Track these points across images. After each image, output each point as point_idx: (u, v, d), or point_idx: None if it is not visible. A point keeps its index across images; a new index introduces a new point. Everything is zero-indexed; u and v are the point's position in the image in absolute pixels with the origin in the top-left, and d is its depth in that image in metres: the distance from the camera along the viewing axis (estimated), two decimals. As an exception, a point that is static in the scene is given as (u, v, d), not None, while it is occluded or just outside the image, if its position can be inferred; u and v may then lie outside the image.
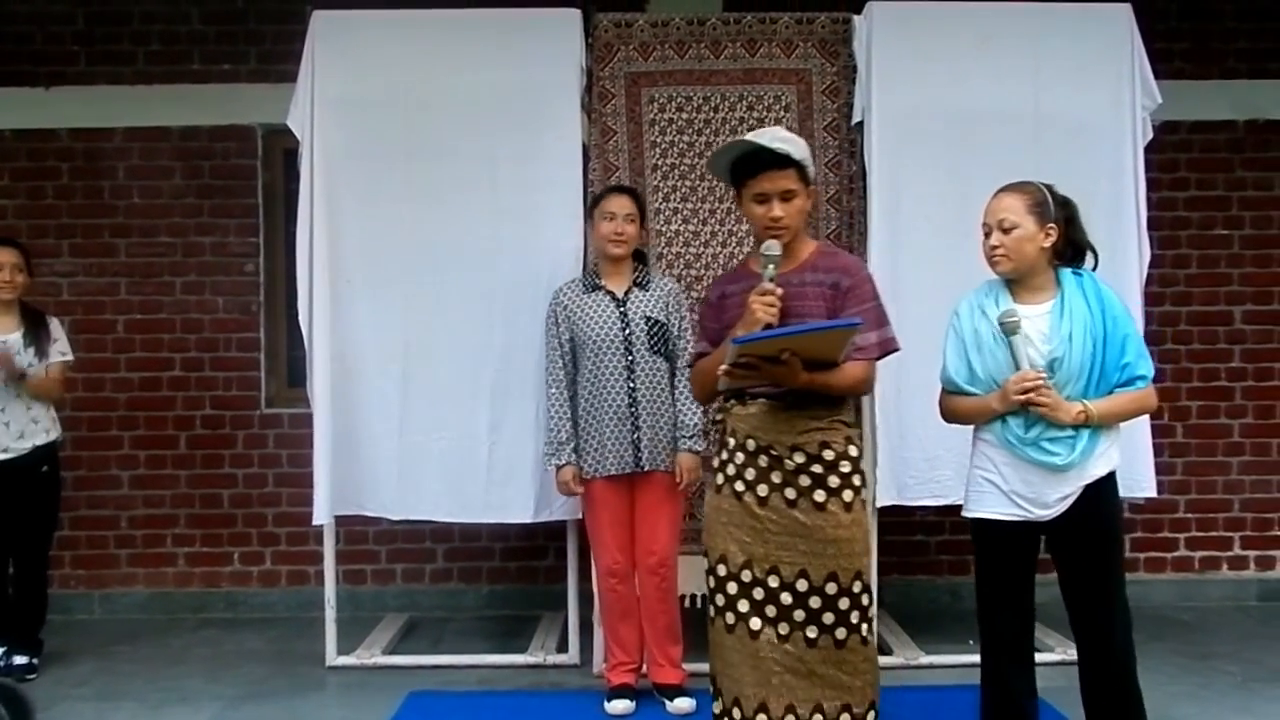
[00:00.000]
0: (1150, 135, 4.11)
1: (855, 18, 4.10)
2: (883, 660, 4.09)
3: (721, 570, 2.79)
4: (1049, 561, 2.89)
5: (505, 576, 5.09)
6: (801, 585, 2.70)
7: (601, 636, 3.92)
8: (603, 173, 4.14)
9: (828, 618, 2.70)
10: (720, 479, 2.85)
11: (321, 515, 4.09)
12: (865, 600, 2.74)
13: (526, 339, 4.03)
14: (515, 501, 4.11)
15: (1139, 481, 4.04)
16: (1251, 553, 5.14)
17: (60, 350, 4.21)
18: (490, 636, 4.63)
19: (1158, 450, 4.11)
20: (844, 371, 2.73)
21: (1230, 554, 5.15)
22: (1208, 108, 5.08)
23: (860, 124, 4.07)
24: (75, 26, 5.10)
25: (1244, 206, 5.14)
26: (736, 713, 2.75)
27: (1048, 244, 2.80)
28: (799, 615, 2.71)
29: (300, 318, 4.10)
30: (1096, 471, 2.77)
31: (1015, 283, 2.85)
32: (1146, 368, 2.78)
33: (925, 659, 4.16)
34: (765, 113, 4.13)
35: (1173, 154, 5.03)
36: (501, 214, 4.11)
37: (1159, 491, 4.13)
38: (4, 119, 5.06)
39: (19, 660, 4.07)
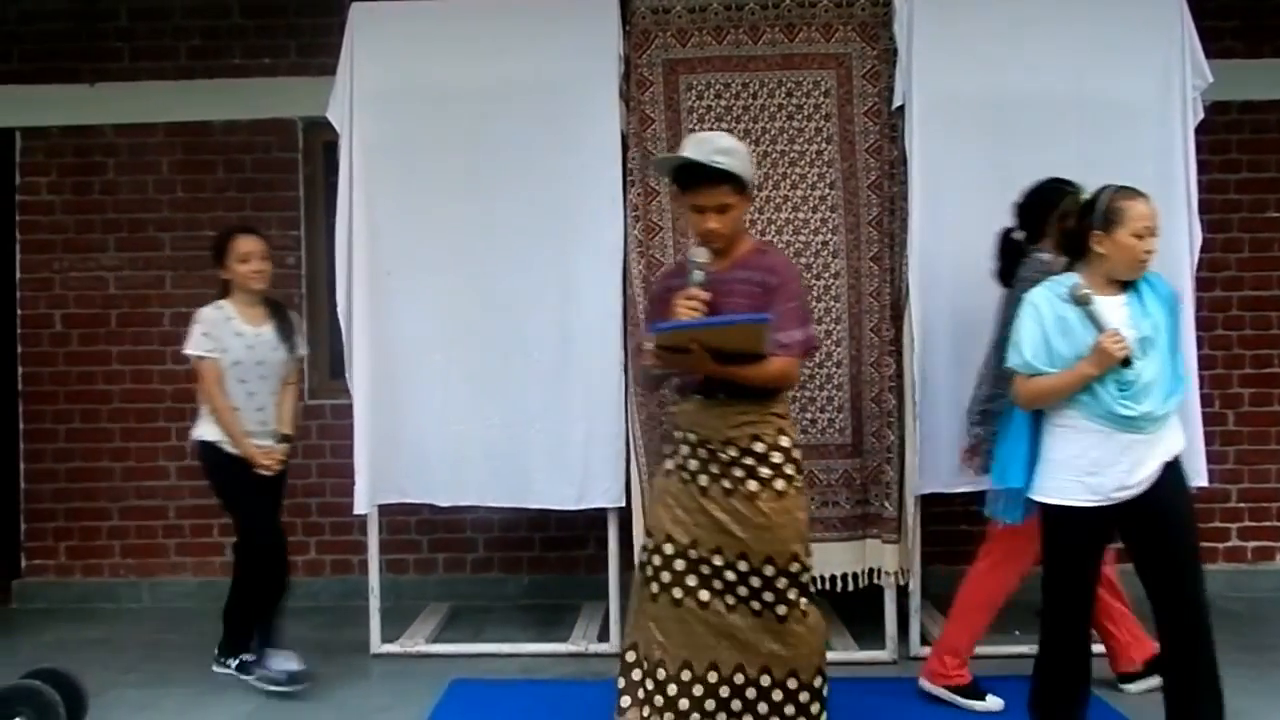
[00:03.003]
0: (1200, 116, 4.02)
1: (896, 0, 4.04)
2: (926, 650, 4.10)
3: (669, 549, 2.95)
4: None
5: (546, 566, 5.10)
6: (742, 566, 2.89)
7: None
8: (641, 162, 4.12)
9: (768, 596, 2.89)
10: (670, 465, 3.06)
11: (362, 505, 4.13)
12: (805, 579, 2.92)
13: (567, 328, 4.04)
14: (559, 488, 4.12)
15: (1190, 470, 3.96)
16: (1306, 543, 5.04)
17: (301, 345, 4.11)
18: (531, 625, 4.65)
19: (1209, 439, 4.03)
20: (761, 367, 2.84)
21: (1283, 544, 5.05)
22: (1259, 87, 4.95)
23: (901, 108, 4.01)
24: (118, 23, 5.15)
25: (1297, 188, 5.03)
26: (661, 673, 2.92)
27: None
28: (743, 591, 2.90)
29: (339, 309, 4.13)
30: (1173, 446, 2.83)
31: (1087, 278, 2.86)
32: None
33: (969, 649, 4.12)
34: (804, 98, 4.08)
35: (1223, 135, 4.91)
36: (540, 204, 4.10)
37: (1210, 481, 4.04)
38: (51, 115, 5.13)
39: (290, 666, 3.85)
